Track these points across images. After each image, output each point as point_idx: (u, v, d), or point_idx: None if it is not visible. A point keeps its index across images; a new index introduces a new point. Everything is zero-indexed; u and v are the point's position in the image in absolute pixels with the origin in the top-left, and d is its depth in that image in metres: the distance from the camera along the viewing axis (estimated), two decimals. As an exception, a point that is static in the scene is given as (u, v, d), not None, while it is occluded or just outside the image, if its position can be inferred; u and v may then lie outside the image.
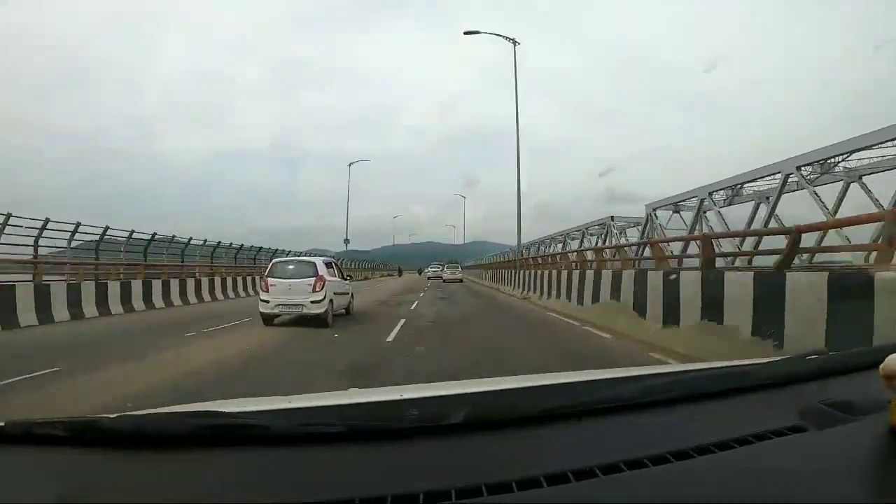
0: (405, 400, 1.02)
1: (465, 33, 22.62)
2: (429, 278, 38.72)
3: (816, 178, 14.64)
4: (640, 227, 23.74)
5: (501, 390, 1.13)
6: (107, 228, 14.62)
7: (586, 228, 30.19)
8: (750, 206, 16.79)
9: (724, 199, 17.82)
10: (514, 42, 22.08)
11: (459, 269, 38.47)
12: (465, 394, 1.07)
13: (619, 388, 1.09)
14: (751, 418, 0.97)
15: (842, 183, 14.14)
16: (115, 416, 0.92)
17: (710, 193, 17.41)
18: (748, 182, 16.28)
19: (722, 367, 1.27)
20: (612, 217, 26.34)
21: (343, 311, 9.97)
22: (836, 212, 13.85)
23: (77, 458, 0.87)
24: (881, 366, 0.77)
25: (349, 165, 43.52)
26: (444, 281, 33.27)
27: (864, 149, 12.66)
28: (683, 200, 19.67)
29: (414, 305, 13.66)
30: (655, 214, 21.78)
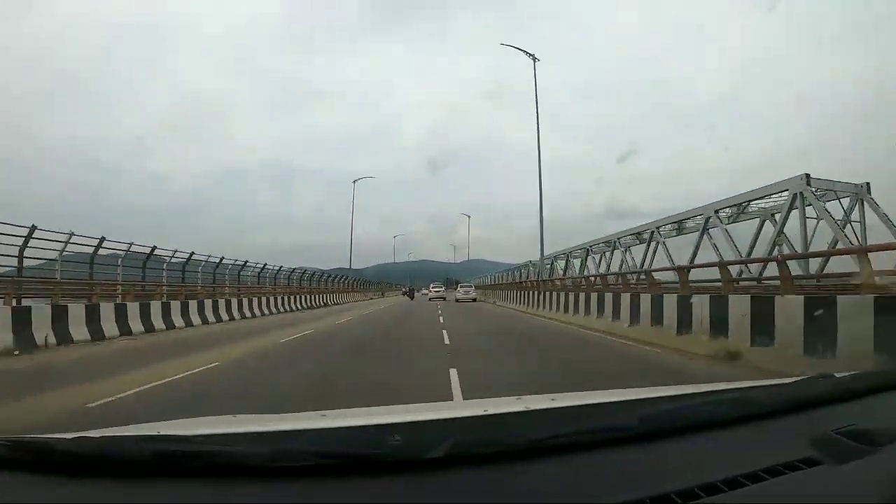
0: (383, 425, 0.97)
1: (502, 45, 25.86)
2: (430, 299, 35.56)
3: (736, 216, 18.27)
4: (610, 253, 27.76)
5: (488, 416, 1.06)
6: (131, 245, 15.18)
7: (590, 246, 33.77)
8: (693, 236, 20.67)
9: (673, 230, 21.70)
10: (535, 58, 24.28)
11: (473, 289, 36.40)
12: (451, 420, 1.06)
13: (618, 415, 1.04)
14: (760, 450, 0.94)
15: (757, 220, 17.71)
16: (70, 437, 0.87)
17: (658, 228, 21.38)
18: (686, 219, 20.22)
19: (724, 391, 1.25)
20: (590, 246, 30.46)
21: None
22: (753, 244, 17.33)
23: (24, 482, 0.82)
24: None
25: (354, 182, 46.13)
26: (457, 301, 31.34)
27: (759, 198, 16.40)
28: (640, 232, 23.65)
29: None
30: (621, 242, 25.95)
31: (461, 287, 36.17)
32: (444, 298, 35.60)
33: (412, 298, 42.93)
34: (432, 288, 41.55)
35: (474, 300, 31.99)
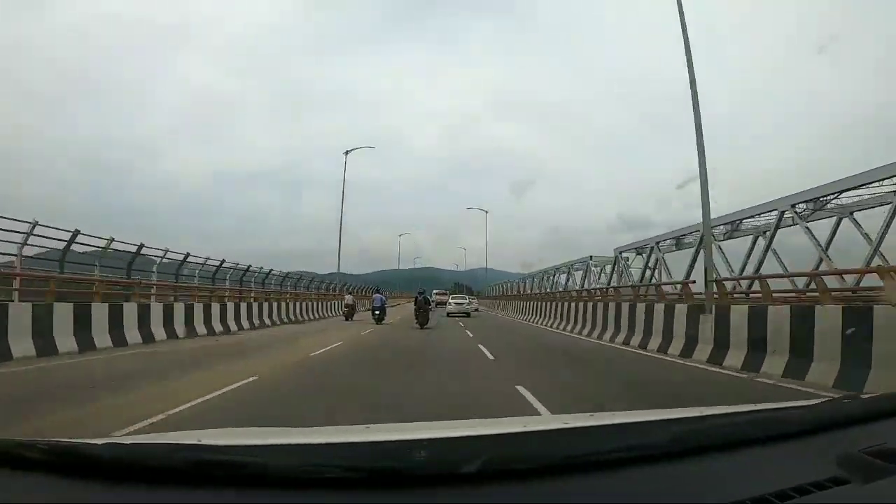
0: (413, 442, 1.00)
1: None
2: (449, 314, 27.53)
3: (810, 214, 17.23)
4: (610, 266, 28.78)
5: (517, 434, 1.11)
6: (187, 256, 17.07)
7: (571, 265, 34.89)
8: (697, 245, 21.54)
9: (672, 245, 22.75)
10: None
11: (468, 300, 32.77)
12: (480, 437, 1.08)
13: (650, 434, 1.09)
14: (788, 469, 0.97)
15: (834, 219, 16.41)
16: (100, 442, 0.91)
17: (658, 243, 22.50)
18: (683, 235, 21.27)
19: (754, 411, 1.29)
20: (591, 256, 31.51)
21: None
22: (828, 246, 16.35)
23: (55, 485, 0.86)
24: None
25: (345, 153, 33.33)
26: (448, 315, 26.97)
27: (855, 188, 15.41)
28: (641, 246, 24.74)
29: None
30: (623, 256, 27.03)
31: (453, 298, 32.12)
32: (469, 314, 27.77)
33: (375, 317, 20.31)
34: (451, 299, 32.20)
35: (469, 313, 28.52)
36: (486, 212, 27.71)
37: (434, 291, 35.00)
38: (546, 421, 1.30)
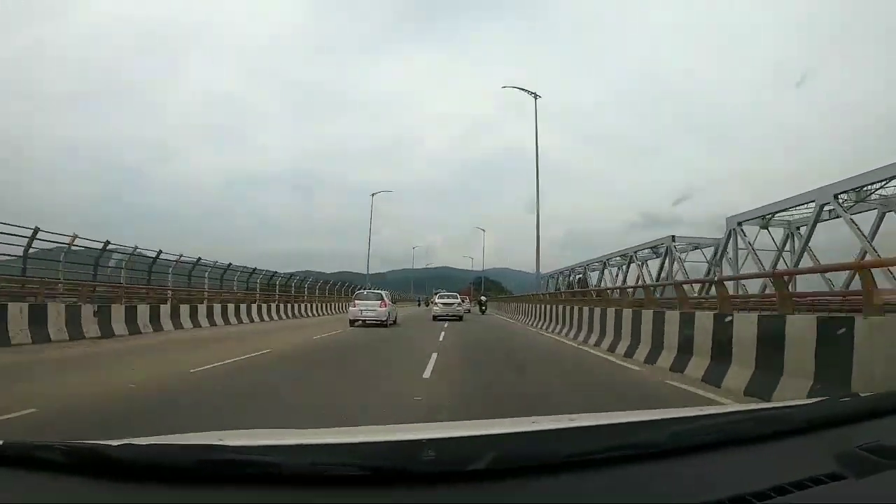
0: (422, 441, 1.01)
1: (503, 87, 25.82)
2: (435, 317, 23.17)
3: (852, 206, 15.93)
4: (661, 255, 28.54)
5: (524, 433, 1.14)
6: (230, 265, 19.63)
7: (607, 259, 34.11)
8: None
9: (689, 246, 22.50)
10: (536, 95, 24.88)
11: (459, 300, 25.98)
12: (486, 436, 1.11)
13: (649, 432, 1.11)
14: (786, 465, 0.99)
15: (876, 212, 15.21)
16: (117, 444, 0.94)
17: (673, 242, 22.30)
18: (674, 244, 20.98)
19: (753, 410, 1.35)
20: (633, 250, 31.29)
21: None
22: (872, 239, 15.06)
23: (73, 486, 0.88)
24: None
25: (372, 195, 42.55)
26: (434, 318, 22.72)
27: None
28: (656, 246, 24.57)
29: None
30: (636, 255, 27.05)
31: (439, 298, 26.67)
32: (461, 317, 23.90)
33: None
34: (437, 299, 26.88)
35: (461, 317, 23.82)
36: (538, 96, 24.55)
37: (436, 296, 28.82)
38: (552, 420, 1.32)
